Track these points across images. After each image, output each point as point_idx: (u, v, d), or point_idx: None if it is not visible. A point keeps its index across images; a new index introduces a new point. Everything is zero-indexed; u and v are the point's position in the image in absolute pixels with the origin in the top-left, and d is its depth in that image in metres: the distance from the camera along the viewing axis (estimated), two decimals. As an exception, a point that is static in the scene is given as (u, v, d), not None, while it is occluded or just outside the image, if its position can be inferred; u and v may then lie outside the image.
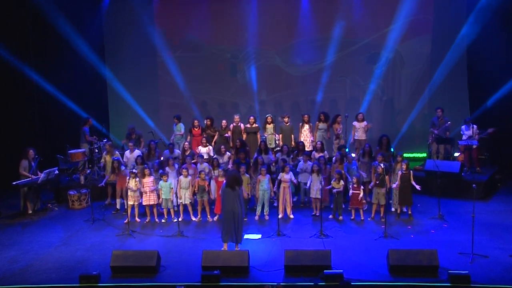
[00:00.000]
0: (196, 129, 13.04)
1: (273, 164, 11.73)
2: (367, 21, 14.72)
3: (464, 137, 12.51)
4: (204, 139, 12.34)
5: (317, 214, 10.86)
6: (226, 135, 12.88)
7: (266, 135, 12.91)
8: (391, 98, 15.35)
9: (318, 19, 14.93)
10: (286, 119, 13.00)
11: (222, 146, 12.02)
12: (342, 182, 10.70)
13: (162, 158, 12.04)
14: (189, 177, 10.84)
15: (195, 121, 13.15)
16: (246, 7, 14.98)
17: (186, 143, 12.33)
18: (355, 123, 13.13)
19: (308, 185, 10.96)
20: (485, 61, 13.74)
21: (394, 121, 15.22)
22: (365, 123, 13.05)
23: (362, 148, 12.01)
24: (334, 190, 10.67)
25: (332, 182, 10.74)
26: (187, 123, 13.46)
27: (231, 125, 13.06)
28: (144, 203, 10.96)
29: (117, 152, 12.12)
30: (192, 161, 11.45)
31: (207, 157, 11.93)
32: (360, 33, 14.87)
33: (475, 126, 12.51)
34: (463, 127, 12.71)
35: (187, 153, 11.94)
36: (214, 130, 13.07)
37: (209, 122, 13.16)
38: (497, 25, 13.42)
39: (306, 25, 14.96)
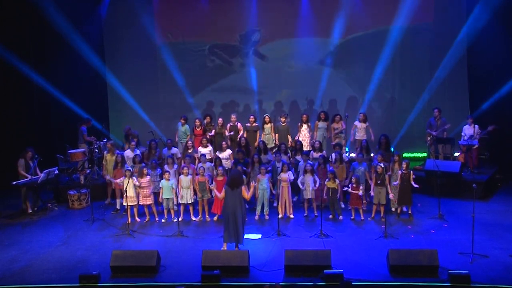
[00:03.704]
0: (198, 129, 13.06)
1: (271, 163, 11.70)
2: (367, 21, 14.71)
3: (465, 137, 12.50)
4: (204, 139, 12.35)
5: (316, 214, 10.88)
6: (227, 133, 12.90)
7: (262, 136, 12.91)
8: (391, 98, 15.34)
9: (318, 19, 14.91)
10: (283, 119, 13.02)
11: (224, 142, 12.04)
12: (337, 181, 10.68)
13: (163, 158, 12.04)
14: (189, 176, 10.84)
15: (197, 121, 13.16)
16: (246, 6, 14.98)
17: (190, 142, 12.35)
18: (356, 123, 13.12)
19: (303, 185, 10.90)
20: (485, 61, 13.74)
21: (394, 121, 15.22)
22: (367, 124, 13.03)
23: (360, 145, 12.01)
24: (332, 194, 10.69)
25: (326, 182, 10.70)
26: (188, 123, 13.48)
27: (228, 125, 13.08)
28: (140, 203, 10.96)
29: (117, 152, 12.12)
30: (191, 162, 11.45)
31: (210, 157, 11.93)
32: (360, 33, 14.86)
33: (477, 126, 12.48)
34: (465, 126, 12.70)
35: (190, 151, 11.95)
36: (211, 128, 13.09)
37: (208, 119, 13.21)
38: (497, 25, 13.41)
39: (306, 25, 14.94)
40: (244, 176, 10.51)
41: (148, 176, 10.94)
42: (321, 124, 13.04)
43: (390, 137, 12.18)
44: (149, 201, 10.92)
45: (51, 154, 12.99)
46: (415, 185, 10.60)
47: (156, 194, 11.15)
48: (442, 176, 11.16)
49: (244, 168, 10.90)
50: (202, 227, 10.70)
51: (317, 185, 10.71)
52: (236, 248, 9.10)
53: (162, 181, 10.87)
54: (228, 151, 12.00)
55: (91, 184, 12.03)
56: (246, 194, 9.23)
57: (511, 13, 13.34)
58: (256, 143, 12.42)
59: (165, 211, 11.05)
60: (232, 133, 12.86)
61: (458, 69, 14.43)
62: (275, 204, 11.17)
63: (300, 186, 10.91)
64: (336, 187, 10.63)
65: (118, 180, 11.09)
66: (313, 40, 15.11)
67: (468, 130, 12.57)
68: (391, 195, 10.61)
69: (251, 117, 13.09)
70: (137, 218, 11.04)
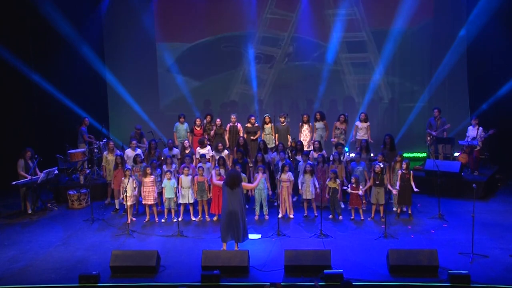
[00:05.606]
0: (197, 129, 13.06)
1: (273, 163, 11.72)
2: (367, 21, 14.74)
3: (468, 138, 12.48)
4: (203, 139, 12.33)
5: (315, 214, 10.87)
6: (226, 137, 12.93)
7: (263, 136, 12.90)
8: (391, 98, 15.35)
9: (318, 19, 14.95)
10: (282, 119, 13.01)
11: (220, 144, 12.05)
12: (338, 181, 10.67)
13: (162, 158, 12.04)
14: (190, 176, 10.83)
15: (197, 120, 13.16)
16: (246, 6, 15.00)
17: (186, 141, 12.35)
18: (357, 123, 13.11)
19: (302, 186, 10.88)
20: (485, 61, 13.76)
21: (394, 121, 15.21)
22: (368, 123, 13.02)
23: (360, 145, 12.01)
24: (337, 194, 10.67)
25: (327, 182, 10.70)
26: (188, 123, 13.49)
27: (228, 125, 13.07)
28: (143, 202, 10.95)
29: (116, 153, 12.11)
30: (191, 163, 11.44)
31: (209, 157, 11.92)
32: (360, 33, 14.87)
33: (481, 128, 12.45)
34: (469, 127, 12.68)
35: (187, 151, 11.95)
36: (211, 127, 13.09)
37: (209, 119, 13.21)
38: (497, 25, 13.41)
39: (306, 25, 14.97)
40: (244, 174, 10.52)
41: (153, 176, 10.93)
42: (317, 124, 13.04)
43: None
44: (151, 201, 10.91)
45: (51, 154, 12.99)
46: (415, 189, 10.59)
47: (158, 194, 11.16)
48: (442, 176, 11.15)
49: (244, 175, 10.84)
50: (202, 227, 10.70)
51: (317, 186, 10.72)
52: (236, 247, 9.10)
53: (164, 180, 10.87)
54: (225, 152, 11.97)
55: (91, 184, 12.03)
56: (250, 185, 9.66)
57: (511, 13, 13.34)
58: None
59: (166, 211, 11.04)
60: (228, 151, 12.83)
61: (458, 69, 14.44)
62: (275, 204, 11.17)
63: (299, 186, 10.90)
64: (337, 187, 10.64)
65: (122, 185, 10.99)
66: (314, 39, 15.12)
67: (472, 131, 12.53)
68: (394, 191, 10.60)
69: (252, 118, 13.06)
70: (132, 218, 10.98)
